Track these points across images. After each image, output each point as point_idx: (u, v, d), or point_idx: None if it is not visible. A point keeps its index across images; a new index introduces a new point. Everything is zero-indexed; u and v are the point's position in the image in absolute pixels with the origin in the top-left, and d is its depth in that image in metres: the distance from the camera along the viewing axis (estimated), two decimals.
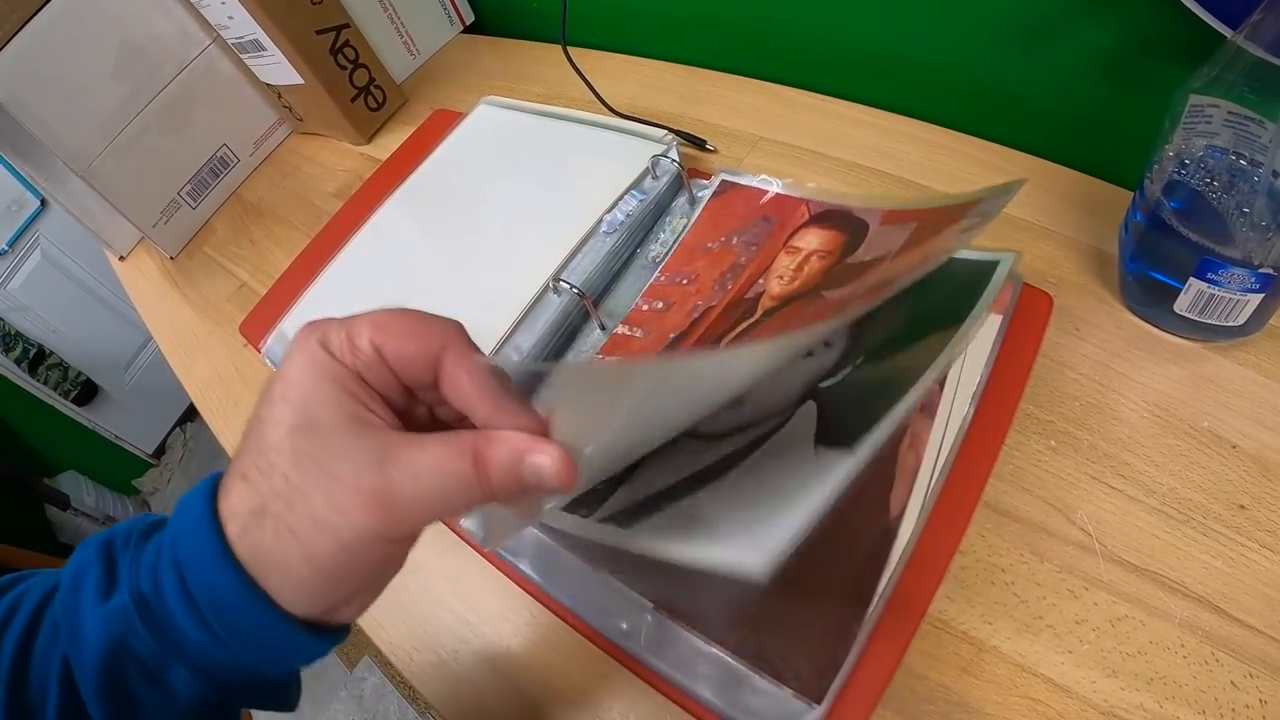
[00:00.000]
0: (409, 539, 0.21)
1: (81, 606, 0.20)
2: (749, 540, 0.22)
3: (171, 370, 0.58)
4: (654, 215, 0.45)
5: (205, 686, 0.20)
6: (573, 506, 0.30)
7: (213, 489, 0.20)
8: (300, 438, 0.19)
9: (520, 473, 0.19)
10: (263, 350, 0.50)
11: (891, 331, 0.34)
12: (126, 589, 0.19)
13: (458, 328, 0.21)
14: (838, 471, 0.23)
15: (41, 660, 0.20)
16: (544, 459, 0.19)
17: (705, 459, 0.30)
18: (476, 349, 0.21)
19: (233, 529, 0.19)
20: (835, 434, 0.27)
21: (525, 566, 0.35)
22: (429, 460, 0.19)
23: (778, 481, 0.25)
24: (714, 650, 0.30)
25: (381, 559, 0.20)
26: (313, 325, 0.20)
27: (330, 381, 0.19)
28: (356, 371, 0.20)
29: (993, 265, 0.35)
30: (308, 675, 0.24)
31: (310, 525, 0.18)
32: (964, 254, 0.36)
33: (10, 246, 1.37)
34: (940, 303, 0.35)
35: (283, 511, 0.18)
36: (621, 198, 0.44)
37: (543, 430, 0.20)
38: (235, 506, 0.19)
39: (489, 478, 0.19)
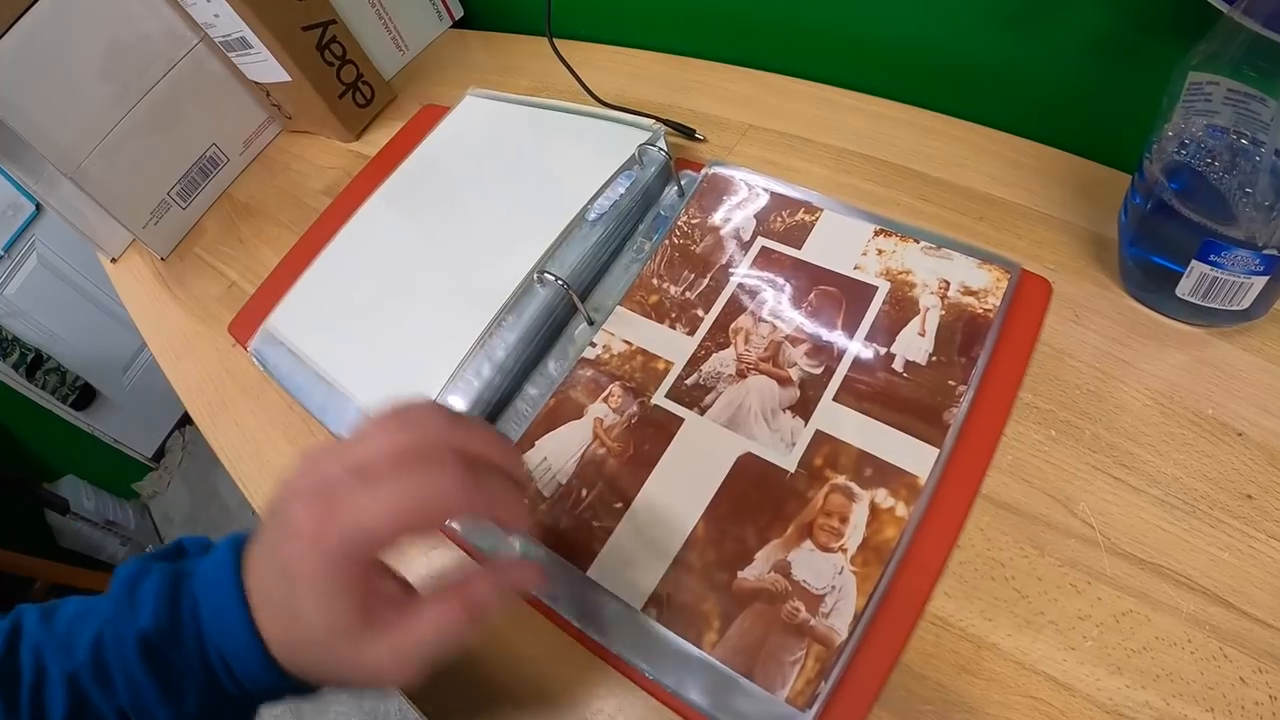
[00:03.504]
0: None
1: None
2: None
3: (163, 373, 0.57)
4: (642, 206, 0.45)
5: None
6: None
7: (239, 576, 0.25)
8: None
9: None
10: (249, 349, 0.49)
11: None
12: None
13: None
14: None
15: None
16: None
17: None
18: None
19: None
20: None
21: None
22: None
23: None
24: (703, 654, 0.30)
25: None
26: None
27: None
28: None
29: None
30: None
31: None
32: None
33: (6, 251, 1.37)
34: None
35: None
36: (607, 186, 0.43)
37: None
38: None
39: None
